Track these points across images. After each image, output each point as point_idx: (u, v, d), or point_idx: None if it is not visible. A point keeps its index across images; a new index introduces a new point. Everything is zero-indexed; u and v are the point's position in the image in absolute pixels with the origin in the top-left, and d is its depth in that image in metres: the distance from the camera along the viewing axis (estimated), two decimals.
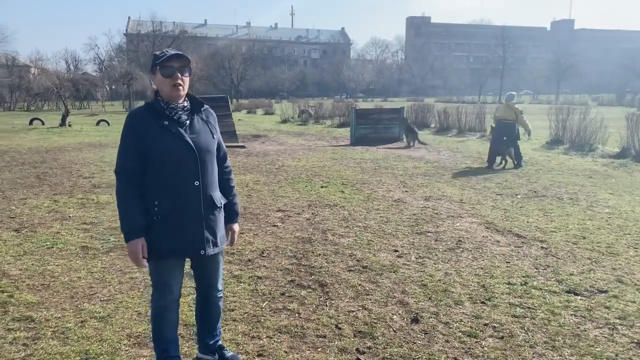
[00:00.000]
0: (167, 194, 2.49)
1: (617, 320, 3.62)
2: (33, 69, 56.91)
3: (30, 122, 24.75)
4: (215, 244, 2.66)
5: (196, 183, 2.52)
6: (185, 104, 2.59)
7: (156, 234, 2.50)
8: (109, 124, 25.18)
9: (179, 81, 2.49)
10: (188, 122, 2.55)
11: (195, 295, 2.98)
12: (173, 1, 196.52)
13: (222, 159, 2.78)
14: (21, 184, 8.74)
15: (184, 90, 2.53)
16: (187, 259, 2.76)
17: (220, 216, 2.71)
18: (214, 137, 2.65)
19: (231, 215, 2.83)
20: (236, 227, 2.88)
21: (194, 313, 3.05)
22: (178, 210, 2.50)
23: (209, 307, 2.90)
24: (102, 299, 3.93)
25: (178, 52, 2.52)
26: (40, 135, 18.42)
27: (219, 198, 2.68)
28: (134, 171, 2.49)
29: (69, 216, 6.48)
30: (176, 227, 2.51)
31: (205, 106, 2.67)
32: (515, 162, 11.07)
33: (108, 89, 64.88)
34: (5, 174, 9.79)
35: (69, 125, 22.12)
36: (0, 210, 6.80)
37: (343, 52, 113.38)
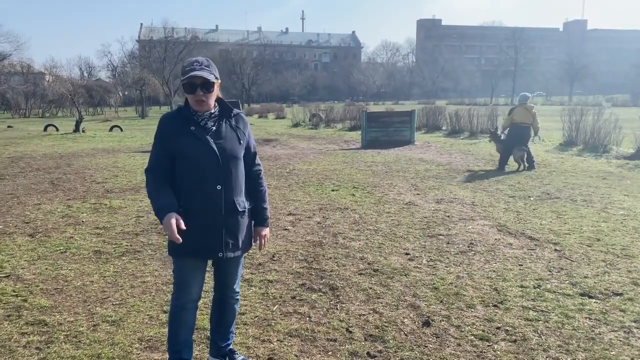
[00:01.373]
0: (191, 196, 2.57)
1: (633, 324, 3.56)
2: (47, 76, 57.64)
3: (45, 129, 25.06)
4: (235, 247, 2.70)
5: (218, 187, 2.57)
6: (214, 110, 2.65)
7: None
8: (122, 129, 25.43)
9: (202, 97, 2.54)
10: (214, 128, 2.61)
11: (207, 299, 3.00)
12: (185, 7, 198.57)
13: (250, 162, 2.80)
14: (35, 189, 8.85)
15: (207, 104, 2.59)
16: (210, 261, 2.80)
17: (244, 220, 2.73)
18: (240, 143, 2.68)
19: (260, 219, 2.87)
20: (265, 231, 2.90)
21: (209, 316, 3.07)
22: (200, 212, 2.57)
23: (224, 308, 2.93)
24: (114, 302, 3.96)
25: (201, 73, 2.50)
26: (54, 141, 18.65)
27: (242, 202, 2.70)
28: (163, 168, 2.59)
29: (82, 221, 6.54)
30: (197, 228, 2.56)
31: (236, 112, 2.72)
32: (527, 164, 10.94)
33: (121, 95, 65.48)
34: (20, 179, 9.92)
35: (83, 131, 22.37)
36: (15, 215, 6.89)
37: (354, 56, 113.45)
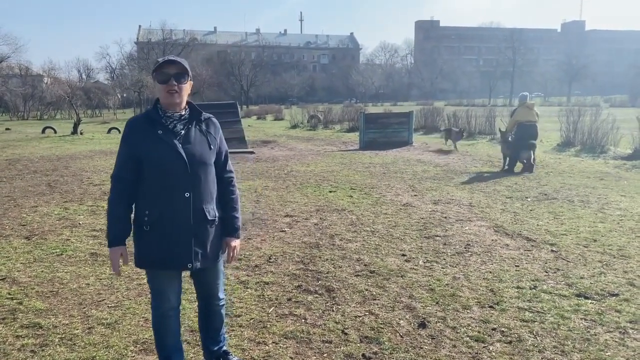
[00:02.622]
0: (157, 204, 2.47)
1: (629, 324, 3.56)
2: (46, 79, 57.68)
3: (43, 131, 25.04)
4: (205, 258, 2.58)
5: (187, 194, 2.46)
6: (183, 113, 2.55)
7: (146, 244, 2.50)
8: (120, 131, 25.39)
9: (174, 88, 2.44)
10: (183, 132, 2.51)
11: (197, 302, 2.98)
12: (183, 9, 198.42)
13: (221, 168, 2.68)
14: (32, 191, 8.84)
15: (180, 98, 2.48)
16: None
17: (214, 230, 2.61)
18: (211, 148, 2.57)
19: (230, 229, 2.70)
20: (234, 242, 2.71)
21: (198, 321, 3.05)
22: (167, 221, 2.47)
23: (210, 315, 2.89)
24: (109, 305, 3.95)
25: (174, 58, 2.49)
26: (52, 143, 18.63)
27: (212, 211, 2.58)
28: (127, 178, 2.50)
29: (79, 223, 6.53)
30: (164, 238, 2.48)
31: (206, 116, 2.62)
32: (507, 165, 10.90)
33: (119, 97, 65.50)
34: (17, 182, 9.90)
35: (81, 134, 22.35)
36: (12, 217, 6.88)
37: (352, 57, 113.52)
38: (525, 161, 10.74)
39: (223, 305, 2.92)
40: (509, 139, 11.19)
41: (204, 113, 2.62)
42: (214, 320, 2.90)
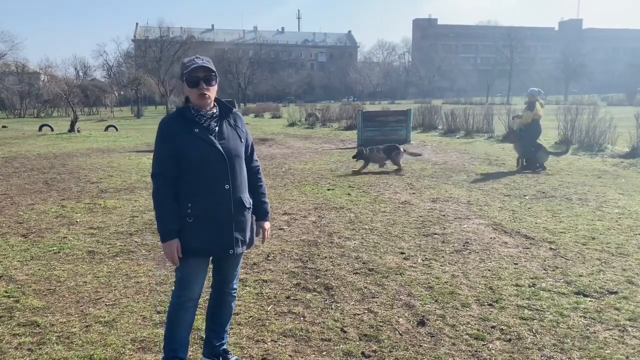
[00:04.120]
0: (200, 197, 2.61)
1: (628, 322, 3.55)
2: (42, 76, 57.37)
3: (40, 129, 24.96)
4: (244, 243, 2.76)
5: (227, 186, 2.63)
6: (214, 111, 2.69)
7: (189, 234, 2.61)
8: (117, 129, 25.36)
9: (205, 91, 2.58)
10: (217, 128, 2.66)
11: (203, 298, 2.99)
12: (180, 7, 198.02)
13: (249, 159, 2.86)
14: (29, 189, 8.80)
15: (210, 99, 2.64)
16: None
17: (249, 216, 2.81)
18: (242, 141, 2.75)
19: (261, 213, 2.94)
20: (267, 225, 2.97)
21: (205, 315, 3.06)
22: (210, 212, 2.61)
23: (221, 305, 2.94)
24: (107, 303, 3.93)
25: (204, 64, 2.59)
26: (49, 141, 18.56)
27: (247, 199, 2.78)
28: (168, 176, 2.60)
29: (76, 221, 6.51)
30: (208, 227, 2.62)
31: (234, 110, 2.78)
32: (525, 163, 10.83)
33: (116, 94, 65.33)
34: (14, 179, 9.86)
35: (78, 131, 22.28)
36: (9, 215, 6.85)
37: (350, 55, 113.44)
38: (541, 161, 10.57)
39: (234, 297, 3.00)
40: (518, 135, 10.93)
41: (232, 108, 2.77)
42: (223, 312, 2.95)
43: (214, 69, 2.62)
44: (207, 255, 2.73)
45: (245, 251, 2.89)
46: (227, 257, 2.77)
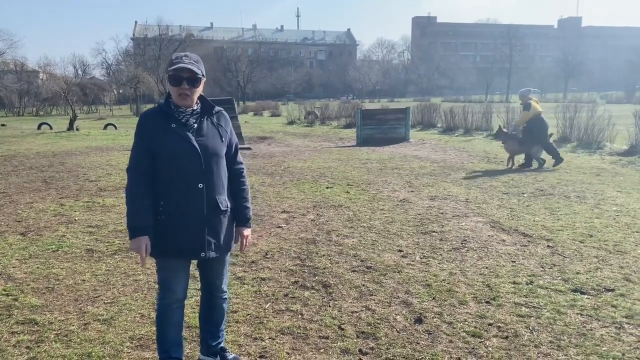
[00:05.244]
0: (172, 195, 2.53)
1: (624, 319, 3.57)
2: (41, 74, 57.28)
3: (39, 127, 24.92)
4: (217, 248, 2.65)
5: (200, 185, 2.54)
6: (195, 107, 2.62)
7: (160, 233, 2.55)
8: (116, 127, 25.33)
9: (186, 91, 2.52)
10: (196, 125, 2.58)
11: (198, 297, 2.98)
12: (179, 5, 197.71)
13: (232, 160, 2.75)
14: (28, 187, 8.80)
15: (190, 99, 2.56)
16: (193, 261, 2.77)
17: (226, 220, 2.69)
18: (222, 141, 2.65)
19: (241, 218, 2.79)
20: (246, 232, 2.81)
21: (198, 314, 3.06)
22: (181, 212, 2.54)
23: (212, 308, 2.91)
24: (105, 301, 3.94)
25: (188, 66, 2.51)
26: (48, 139, 18.55)
27: (224, 201, 2.66)
28: (144, 170, 2.54)
29: (75, 219, 6.51)
30: (179, 227, 2.55)
31: (217, 109, 2.69)
32: (526, 161, 10.86)
33: (115, 93, 65.26)
34: (13, 178, 9.86)
35: (77, 130, 22.27)
36: (7, 214, 6.85)
37: (349, 53, 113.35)
38: (539, 159, 10.60)
39: (225, 299, 2.94)
40: (516, 134, 10.98)
41: (215, 107, 2.68)
42: (215, 314, 2.92)
43: (200, 71, 2.54)
44: (177, 256, 2.63)
45: (224, 255, 2.78)
46: (207, 261, 2.68)
